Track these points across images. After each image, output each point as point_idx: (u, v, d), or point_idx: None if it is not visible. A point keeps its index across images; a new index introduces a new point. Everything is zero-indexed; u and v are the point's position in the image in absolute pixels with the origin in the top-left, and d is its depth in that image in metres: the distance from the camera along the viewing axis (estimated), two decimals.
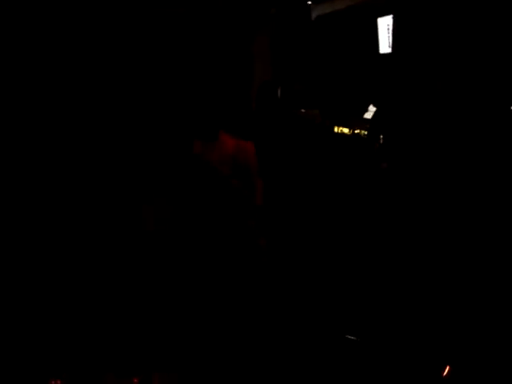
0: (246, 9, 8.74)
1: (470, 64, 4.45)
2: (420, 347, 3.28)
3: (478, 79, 4.43)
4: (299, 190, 4.37)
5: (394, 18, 5.56)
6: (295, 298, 3.84)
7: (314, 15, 7.75)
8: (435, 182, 4.43)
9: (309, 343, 3.41)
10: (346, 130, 5.71)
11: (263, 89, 4.71)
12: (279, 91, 4.83)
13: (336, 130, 5.74)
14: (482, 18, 4.43)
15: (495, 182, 4.02)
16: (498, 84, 4.35)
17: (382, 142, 4.86)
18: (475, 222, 3.97)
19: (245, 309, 3.29)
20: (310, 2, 7.43)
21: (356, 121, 5.96)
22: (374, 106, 6.21)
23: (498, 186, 4.00)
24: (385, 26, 6.56)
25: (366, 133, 5.49)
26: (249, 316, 3.30)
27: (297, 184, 4.36)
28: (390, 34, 5.96)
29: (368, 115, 6.29)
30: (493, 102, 4.38)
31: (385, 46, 6.60)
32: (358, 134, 5.55)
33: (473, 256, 3.79)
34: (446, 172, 4.40)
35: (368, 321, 3.61)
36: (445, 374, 3.07)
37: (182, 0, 8.41)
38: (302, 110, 5.51)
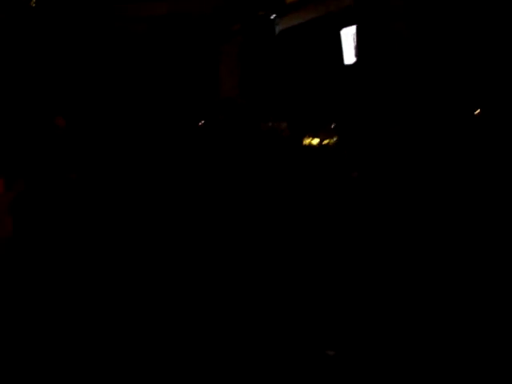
0: (211, 25, 8.76)
1: (434, 70, 4.50)
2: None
3: (442, 86, 4.48)
4: (270, 201, 4.35)
5: (357, 28, 5.61)
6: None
7: (278, 29, 7.77)
8: (406, 189, 4.44)
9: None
10: (314, 142, 5.70)
11: (228, 104, 4.70)
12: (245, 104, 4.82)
13: (305, 141, 5.73)
14: (444, 27, 4.49)
15: (461, 187, 4.05)
16: (461, 92, 4.41)
17: (350, 151, 4.87)
18: (446, 229, 3.99)
19: None
20: (273, 16, 7.45)
21: (324, 132, 5.96)
22: (341, 116, 6.22)
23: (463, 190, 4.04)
24: (348, 36, 6.59)
25: (334, 143, 5.49)
26: None
27: (267, 195, 4.34)
28: (354, 45, 6.00)
29: (335, 126, 6.30)
30: (457, 109, 4.43)
31: (349, 56, 6.63)
32: (326, 144, 5.55)
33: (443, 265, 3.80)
34: (415, 177, 4.42)
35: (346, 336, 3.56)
36: None
37: (148, 19, 8.41)
38: (270, 124, 5.50)
